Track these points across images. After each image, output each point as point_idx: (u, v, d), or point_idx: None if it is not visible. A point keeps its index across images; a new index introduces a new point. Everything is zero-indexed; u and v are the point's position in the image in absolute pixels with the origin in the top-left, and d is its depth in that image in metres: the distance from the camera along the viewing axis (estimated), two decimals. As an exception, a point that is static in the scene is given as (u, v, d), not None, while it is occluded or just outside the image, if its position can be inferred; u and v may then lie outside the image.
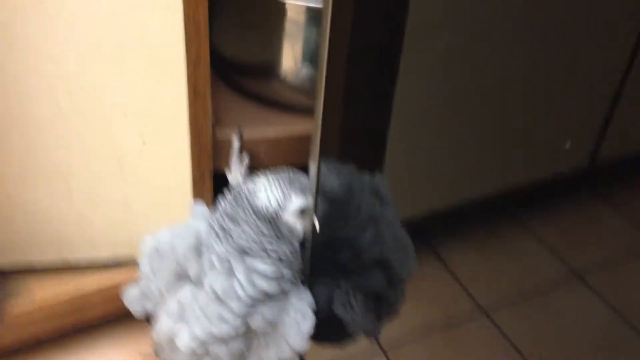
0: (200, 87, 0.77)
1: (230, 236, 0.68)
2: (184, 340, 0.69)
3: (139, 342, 1.39)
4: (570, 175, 1.61)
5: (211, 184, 0.84)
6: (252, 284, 0.68)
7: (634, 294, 1.51)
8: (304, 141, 0.83)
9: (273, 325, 0.72)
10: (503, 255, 1.58)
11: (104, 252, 1.28)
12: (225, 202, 0.70)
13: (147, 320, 0.86)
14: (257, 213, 0.68)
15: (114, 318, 1.31)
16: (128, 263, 1.30)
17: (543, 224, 1.68)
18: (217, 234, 0.70)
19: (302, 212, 0.69)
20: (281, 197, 0.70)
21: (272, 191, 0.71)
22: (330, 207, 0.77)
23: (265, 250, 0.68)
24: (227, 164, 0.85)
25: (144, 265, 0.74)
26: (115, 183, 1.13)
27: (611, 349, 1.37)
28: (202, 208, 0.75)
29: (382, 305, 0.86)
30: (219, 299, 0.69)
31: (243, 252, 0.68)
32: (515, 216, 1.70)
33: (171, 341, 0.71)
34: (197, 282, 0.70)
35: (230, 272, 0.68)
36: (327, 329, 0.78)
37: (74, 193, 1.11)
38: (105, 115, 0.93)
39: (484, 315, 1.35)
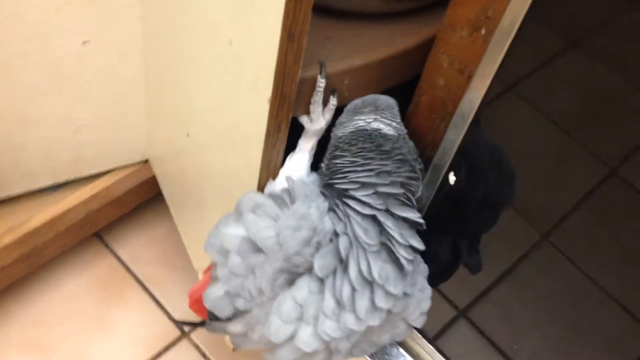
0: (298, 28, 0.56)
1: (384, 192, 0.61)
2: (307, 341, 0.62)
3: (93, 265, 1.24)
4: None
5: (287, 133, 0.67)
6: (410, 249, 0.62)
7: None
8: (392, 63, 0.68)
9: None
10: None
11: (43, 180, 1.06)
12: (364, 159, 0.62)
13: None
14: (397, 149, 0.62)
15: (68, 247, 1.14)
16: (72, 185, 1.10)
17: None
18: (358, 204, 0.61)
19: None
20: (396, 121, 0.65)
21: (385, 120, 0.64)
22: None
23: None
24: (304, 108, 0.67)
25: (235, 263, 0.63)
26: (51, 95, 0.91)
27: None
28: (304, 187, 0.63)
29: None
30: (369, 286, 0.61)
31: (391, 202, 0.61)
32: None
33: (285, 341, 0.64)
34: (323, 277, 0.61)
35: (381, 247, 0.60)
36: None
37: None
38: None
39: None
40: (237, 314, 0.71)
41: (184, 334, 1.22)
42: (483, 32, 0.58)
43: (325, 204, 0.62)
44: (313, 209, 0.60)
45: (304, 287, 0.62)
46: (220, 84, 0.73)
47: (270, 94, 0.62)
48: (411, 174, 0.62)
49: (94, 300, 1.22)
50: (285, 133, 0.67)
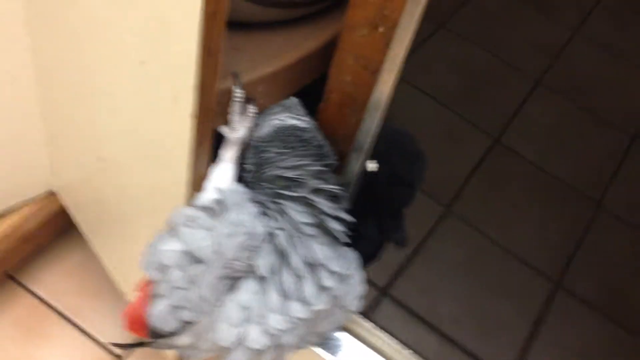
0: (215, 44, 0.59)
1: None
2: (256, 339, 0.66)
3: (10, 307, 1.20)
4: None
5: (210, 144, 0.70)
6: (341, 223, 0.66)
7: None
8: (300, 66, 0.73)
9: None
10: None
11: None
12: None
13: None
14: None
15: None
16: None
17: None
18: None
19: None
20: (305, 115, 0.67)
21: (297, 116, 0.68)
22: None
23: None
24: (224, 118, 0.70)
25: (176, 277, 0.66)
26: None
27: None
28: (234, 195, 0.67)
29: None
30: (312, 270, 0.65)
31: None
32: None
33: (236, 345, 0.67)
34: (266, 275, 0.65)
35: (318, 231, 0.65)
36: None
37: None
38: None
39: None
40: (183, 327, 0.72)
41: (119, 358, 1.21)
42: (382, 29, 0.63)
43: (256, 209, 0.65)
44: (245, 215, 0.64)
45: (246, 290, 0.64)
46: (134, 105, 0.74)
47: (192, 110, 0.64)
48: (331, 157, 0.67)
49: (17, 344, 1.18)
50: (208, 144, 0.70)
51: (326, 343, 0.85)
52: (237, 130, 0.70)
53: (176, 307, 0.68)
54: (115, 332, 1.23)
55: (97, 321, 1.24)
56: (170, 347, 0.73)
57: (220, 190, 0.68)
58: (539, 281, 1.46)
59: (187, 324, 0.71)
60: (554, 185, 1.64)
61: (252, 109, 0.70)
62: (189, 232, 0.65)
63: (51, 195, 1.17)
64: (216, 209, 0.66)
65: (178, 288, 0.67)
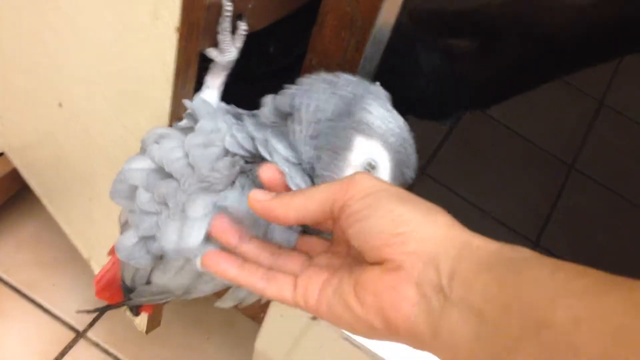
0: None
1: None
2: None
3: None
4: None
5: (196, 69, 0.62)
6: None
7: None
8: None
9: None
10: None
11: None
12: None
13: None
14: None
15: None
16: None
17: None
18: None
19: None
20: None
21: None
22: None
23: None
24: (211, 39, 0.62)
25: (145, 199, 0.58)
26: None
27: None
28: (206, 105, 0.60)
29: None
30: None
31: None
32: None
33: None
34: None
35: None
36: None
37: None
38: None
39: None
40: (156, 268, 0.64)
41: (79, 334, 1.11)
42: None
43: (233, 120, 0.58)
44: (221, 123, 0.56)
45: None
46: (103, 30, 0.65)
47: (177, 23, 0.56)
48: None
49: (-34, 321, 1.08)
50: (195, 69, 0.62)
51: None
52: (227, 51, 0.62)
53: (146, 238, 0.60)
54: (75, 305, 1.13)
55: (55, 295, 1.14)
56: (150, 296, 0.65)
57: (188, 103, 0.60)
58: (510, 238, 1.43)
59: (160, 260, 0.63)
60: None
61: (243, 26, 0.62)
62: (158, 146, 0.58)
63: (0, 157, 1.06)
64: (189, 124, 0.59)
65: (147, 213, 0.58)
